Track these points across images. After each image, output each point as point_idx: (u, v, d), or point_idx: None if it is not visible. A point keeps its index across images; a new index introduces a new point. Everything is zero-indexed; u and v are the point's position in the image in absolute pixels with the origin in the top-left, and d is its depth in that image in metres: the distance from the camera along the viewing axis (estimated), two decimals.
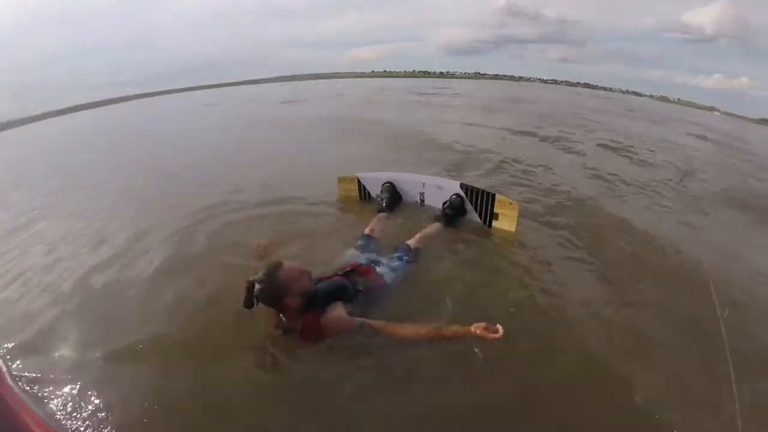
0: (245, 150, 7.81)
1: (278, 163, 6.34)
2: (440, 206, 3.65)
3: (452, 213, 3.50)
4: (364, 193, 3.90)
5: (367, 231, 3.08)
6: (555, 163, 6.14)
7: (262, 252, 2.59)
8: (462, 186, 3.57)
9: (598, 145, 8.17)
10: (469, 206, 3.55)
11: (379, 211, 3.54)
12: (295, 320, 1.91)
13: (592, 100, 28.93)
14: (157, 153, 8.50)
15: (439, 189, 3.70)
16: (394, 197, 3.72)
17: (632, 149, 7.96)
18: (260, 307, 1.91)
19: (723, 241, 3.79)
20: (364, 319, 1.97)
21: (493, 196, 3.41)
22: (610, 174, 5.67)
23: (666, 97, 75.16)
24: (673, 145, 10.05)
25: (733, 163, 8.67)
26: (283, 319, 1.97)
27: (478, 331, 1.82)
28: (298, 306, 1.89)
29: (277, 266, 1.89)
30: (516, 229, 3.33)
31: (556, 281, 2.66)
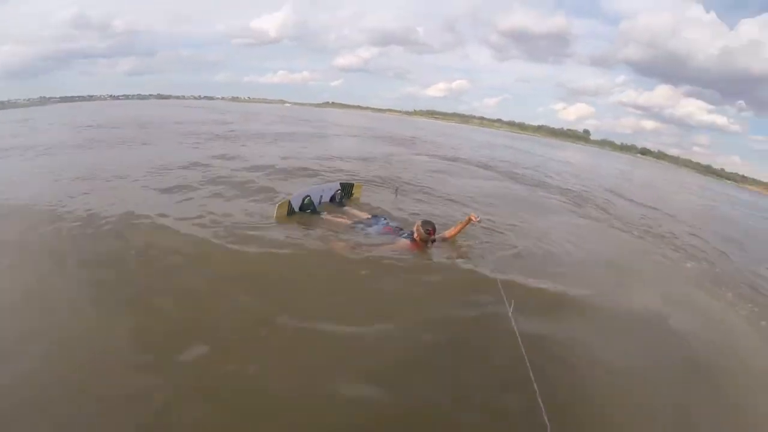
0: None
1: None
2: (330, 198, 6.34)
3: (341, 198, 6.45)
4: (290, 210, 5.70)
5: (350, 222, 5.43)
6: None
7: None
8: (341, 184, 6.56)
9: (280, 157, 10.80)
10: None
11: (317, 213, 5.75)
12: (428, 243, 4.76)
13: (193, 111, 31.23)
14: None
15: (330, 190, 6.34)
16: (314, 203, 5.89)
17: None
18: None
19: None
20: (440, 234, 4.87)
21: (353, 184, 6.74)
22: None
23: (237, 97, 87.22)
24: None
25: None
26: (430, 240, 4.68)
27: (472, 218, 4.81)
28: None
29: (430, 221, 4.73)
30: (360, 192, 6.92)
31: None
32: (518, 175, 12.77)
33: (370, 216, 5.60)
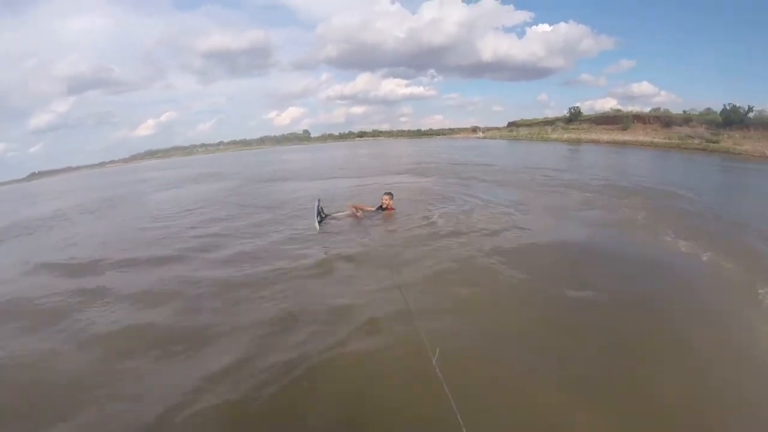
0: None
1: None
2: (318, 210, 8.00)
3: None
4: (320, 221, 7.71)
5: (374, 209, 7.99)
6: None
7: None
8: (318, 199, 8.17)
9: None
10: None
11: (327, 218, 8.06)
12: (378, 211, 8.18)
13: None
14: None
15: (318, 207, 7.92)
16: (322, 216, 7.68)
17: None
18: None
19: None
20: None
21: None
22: None
23: None
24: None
25: None
26: (386, 212, 8.01)
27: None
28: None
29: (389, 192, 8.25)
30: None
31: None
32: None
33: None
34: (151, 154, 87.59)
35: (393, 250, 6.13)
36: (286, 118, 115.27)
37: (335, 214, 8.18)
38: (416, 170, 17.21)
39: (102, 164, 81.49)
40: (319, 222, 7.58)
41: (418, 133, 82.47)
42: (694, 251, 5.74)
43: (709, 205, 8.91)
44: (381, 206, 8.06)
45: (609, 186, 11.25)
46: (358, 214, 7.81)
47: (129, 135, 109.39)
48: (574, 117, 47.70)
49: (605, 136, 38.36)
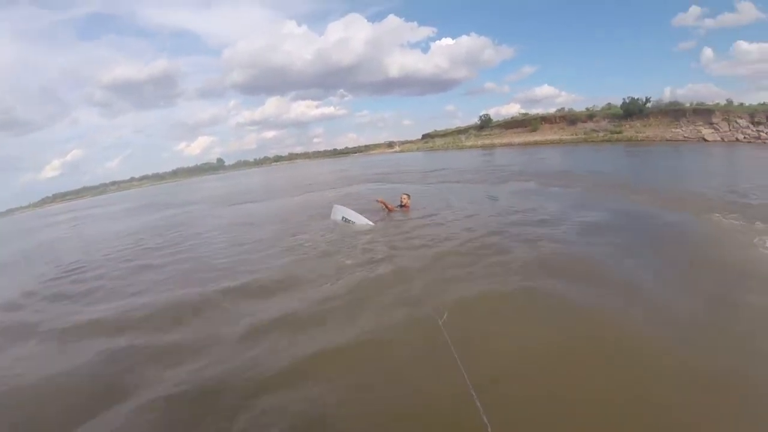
0: None
1: None
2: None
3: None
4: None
5: (397, 206, 9.36)
6: None
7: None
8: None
9: None
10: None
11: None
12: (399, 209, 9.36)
13: None
14: None
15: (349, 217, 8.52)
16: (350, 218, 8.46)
17: None
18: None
19: None
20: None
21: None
22: None
23: None
24: None
25: None
26: (404, 209, 9.31)
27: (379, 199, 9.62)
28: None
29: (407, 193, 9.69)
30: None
31: None
32: None
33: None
34: (62, 196, 79.93)
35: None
36: (196, 148, 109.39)
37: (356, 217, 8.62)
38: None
39: (10, 212, 73.55)
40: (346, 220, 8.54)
41: (334, 153, 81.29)
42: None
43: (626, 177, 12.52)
44: (401, 204, 9.53)
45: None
46: (389, 206, 9.25)
47: (35, 178, 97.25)
48: (485, 124, 49.15)
49: (517, 139, 40.14)
